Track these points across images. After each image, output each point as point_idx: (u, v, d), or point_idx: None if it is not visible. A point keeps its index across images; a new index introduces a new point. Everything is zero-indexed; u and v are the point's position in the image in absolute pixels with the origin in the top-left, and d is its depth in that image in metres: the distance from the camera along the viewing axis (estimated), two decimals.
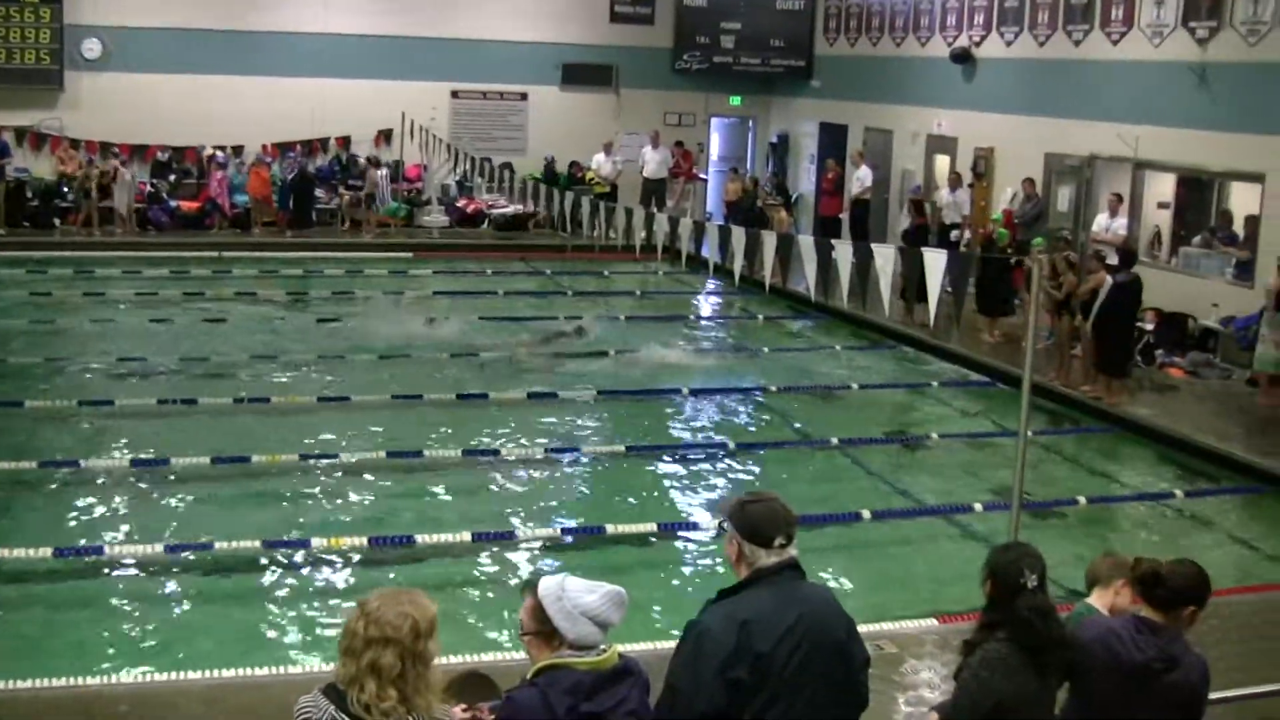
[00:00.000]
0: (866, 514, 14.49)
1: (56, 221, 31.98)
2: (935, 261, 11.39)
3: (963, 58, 29.22)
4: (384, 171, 33.71)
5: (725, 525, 5.75)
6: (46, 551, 12.46)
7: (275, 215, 32.72)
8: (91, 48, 33.17)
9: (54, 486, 14.83)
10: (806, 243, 13.82)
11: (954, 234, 25.80)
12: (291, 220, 32.51)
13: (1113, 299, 18.91)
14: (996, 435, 18.27)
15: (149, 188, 32.70)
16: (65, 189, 32.27)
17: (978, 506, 14.84)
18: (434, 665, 4.99)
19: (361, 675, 4.85)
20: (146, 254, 29.55)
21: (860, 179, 31.29)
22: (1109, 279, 18.98)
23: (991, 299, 23.02)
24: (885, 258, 12.41)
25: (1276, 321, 18.73)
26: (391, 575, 12.46)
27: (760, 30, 36.63)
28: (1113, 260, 19.80)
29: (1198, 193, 24.14)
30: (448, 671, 5.56)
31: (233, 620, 11.65)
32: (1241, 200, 22.89)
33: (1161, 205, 24.54)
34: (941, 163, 30.11)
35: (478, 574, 12.86)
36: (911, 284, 12.98)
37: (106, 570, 12.47)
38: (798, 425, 18.74)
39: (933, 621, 11.29)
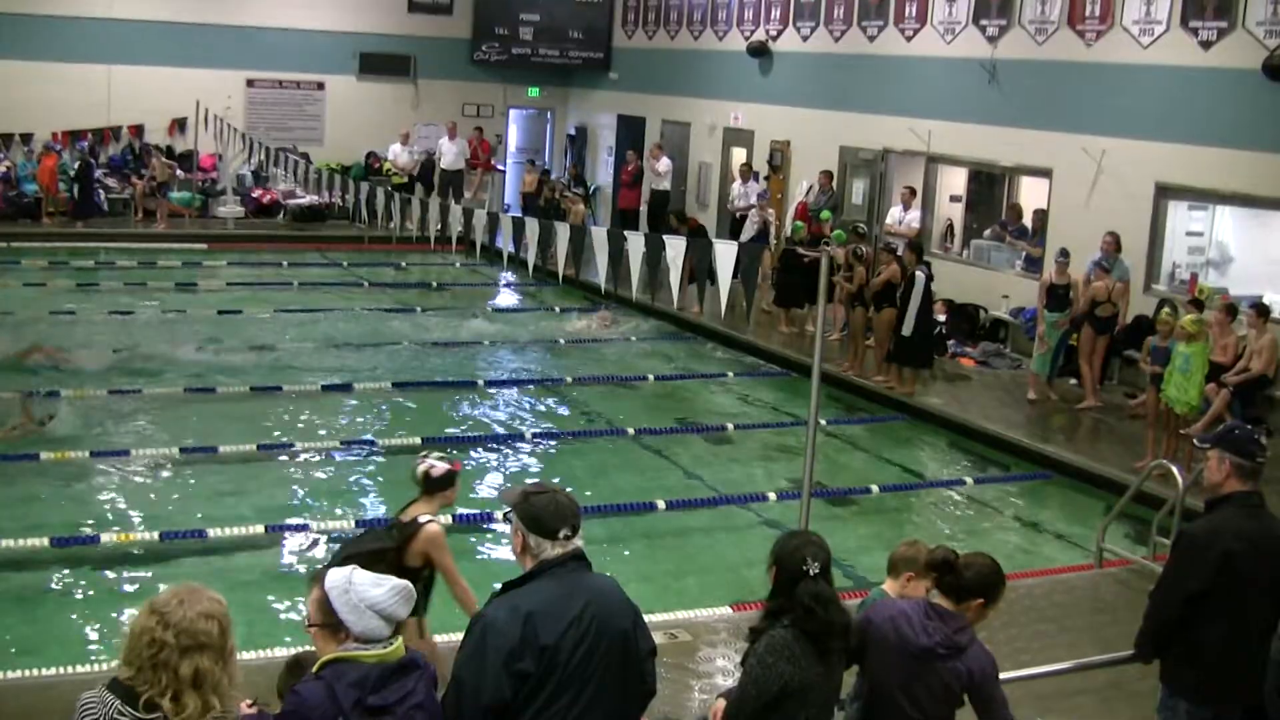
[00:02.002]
0: (661, 504, 14.58)
1: None
2: (726, 252, 11.44)
3: (759, 51, 29.48)
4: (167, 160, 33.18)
5: (510, 517, 5.73)
6: None
7: (64, 205, 31.94)
8: None
9: None
10: (599, 234, 13.81)
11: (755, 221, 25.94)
12: (78, 210, 31.73)
13: (922, 293, 19.15)
14: (791, 425, 18.46)
15: None
16: None
17: (772, 496, 15.06)
18: (234, 658, 4.91)
19: (180, 686, 4.72)
20: None
21: (659, 171, 31.42)
22: (918, 274, 19.21)
23: (787, 291, 23.21)
24: (676, 249, 12.44)
25: (1045, 317, 19.14)
26: (182, 569, 12.29)
27: (559, 22, 36.61)
28: (902, 253, 20.03)
29: (988, 187, 24.67)
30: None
31: (17, 621, 11.39)
32: (1030, 195, 23.40)
33: (954, 199, 25.07)
34: (738, 155, 30.33)
35: (272, 567, 12.78)
36: (702, 274, 13.04)
37: None
38: (594, 415, 18.80)
39: (727, 610, 11.38)
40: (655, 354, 22.87)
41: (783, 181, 28.64)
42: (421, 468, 8.53)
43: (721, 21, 31.36)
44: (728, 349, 23.09)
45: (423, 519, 8.35)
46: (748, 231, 25.54)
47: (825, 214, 23.63)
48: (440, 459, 8.65)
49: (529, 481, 12.97)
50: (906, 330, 19.00)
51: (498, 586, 5.67)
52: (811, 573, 5.96)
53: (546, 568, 5.54)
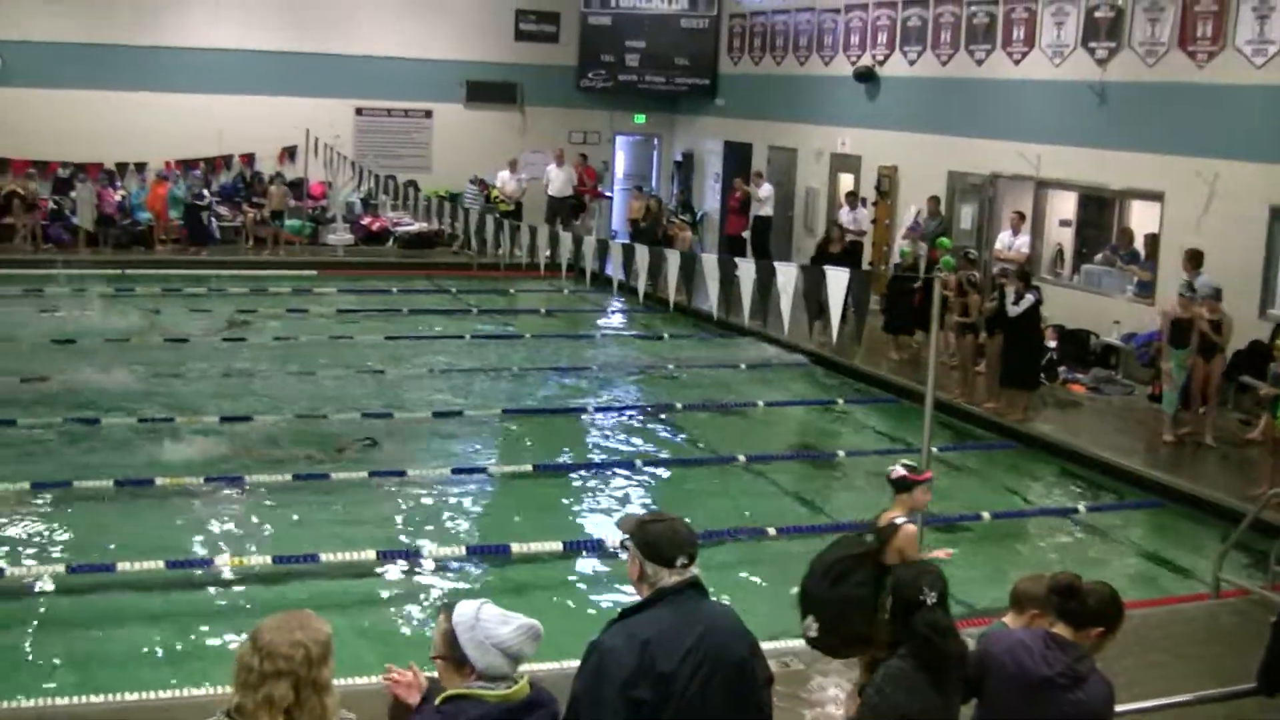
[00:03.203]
0: (772, 530, 14.53)
1: None
2: (837, 279, 11.42)
3: (866, 76, 29.39)
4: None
5: (627, 545, 5.72)
6: None
7: (176, 232, 32.43)
8: None
9: None
10: (710, 261, 13.84)
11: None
12: (191, 237, 32.19)
13: (1028, 315, 19.04)
14: (902, 451, 18.33)
15: (50, 205, 32.32)
16: None
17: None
18: (332, 687, 4.91)
19: (258, 710, 4.76)
20: (48, 271, 29.20)
21: (761, 197, 31.38)
22: (1029, 296, 19.08)
23: (896, 318, 23.11)
24: (787, 276, 12.44)
25: (1172, 355, 18.57)
26: (296, 594, 12.41)
27: (665, 49, 36.68)
28: (1010, 281, 19.89)
29: (1098, 211, 24.40)
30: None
31: (136, 641, 11.49)
32: (1141, 218, 23.13)
33: (1063, 223, 24.81)
34: (845, 181, 30.25)
35: (383, 593, 12.83)
36: (813, 302, 13.00)
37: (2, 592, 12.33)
38: (704, 442, 18.76)
39: None
40: (764, 380, 22.79)
41: (890, 207, 28.53)
42: (893, 473, 9.06)
43: (828, 46, 31.30)
44: (837, 375, 22.98)
45: (899, 520, 8.67)
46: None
47: (944, 241, 23.41)
48: (905, 465, 9.11)
49: (645, 509, 12.98)
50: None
51: (615, 615, 5.66)
52: (929, 602, 5.93)
53: (663, 595, 5.53)
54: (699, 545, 5.69)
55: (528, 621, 5.22)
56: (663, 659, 5.37)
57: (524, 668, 5.23)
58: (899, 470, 9.00)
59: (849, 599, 8.13)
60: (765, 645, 5.87)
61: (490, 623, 5.15)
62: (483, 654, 5.10)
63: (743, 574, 13.52)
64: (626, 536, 5.71)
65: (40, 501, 14.85)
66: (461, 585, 12.93)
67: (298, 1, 35.06)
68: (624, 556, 6.26)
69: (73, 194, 32.04)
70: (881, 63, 29.18)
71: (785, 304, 13.10)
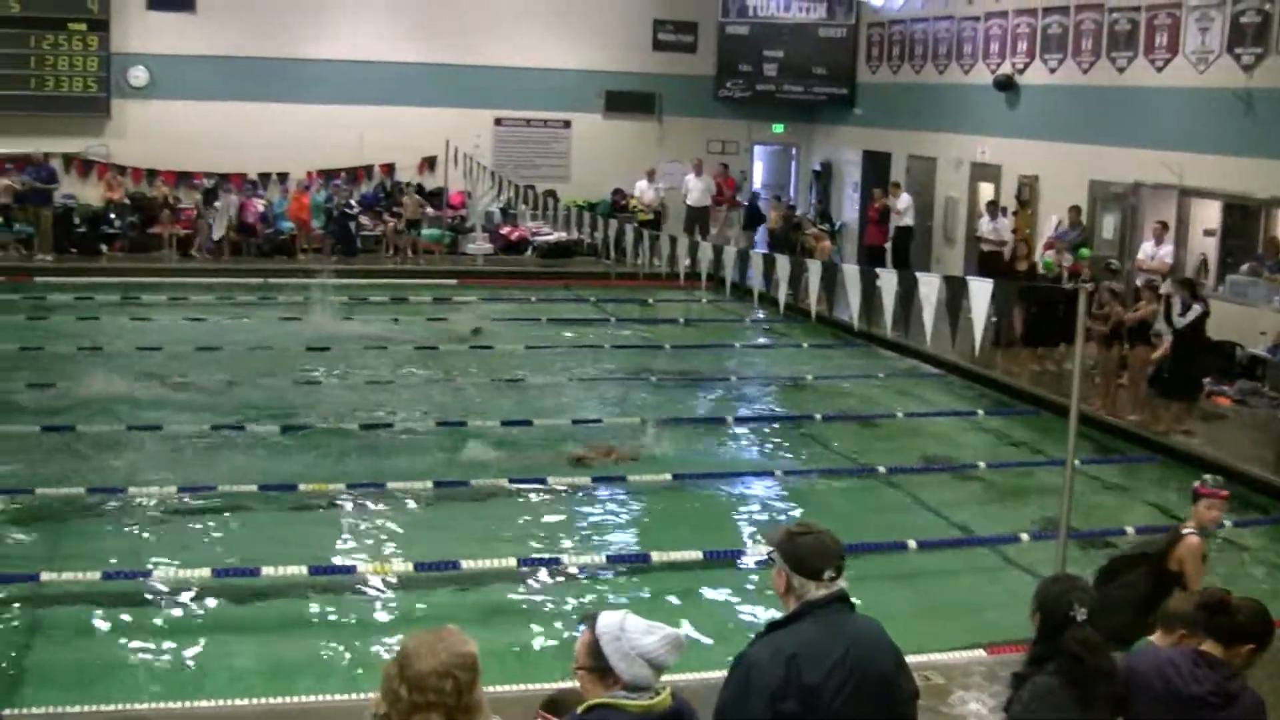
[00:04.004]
0: (913, 543, 14.43)
1: (103, 247, 32.14)
2: (980, 290, 11.36)
3: (1006, 85, 29.17)
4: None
5: (773, 557, 5.72)
6: (95, 575, 12.56)
7: (317, 241, 32.90)
8: (137, 75, 33.49)
9: (101, 512, 14.88)
10: (851, 271, 13.81)
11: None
12: (333, 247, 32.64)
13: (1194, 326, 18.81)
14: (1043, 464, 18.19)
15: (196, 215, 32.90)
16: (112, 215, 32.51)
17: (1024, 536, 14.75)
18: (483, 705, 4.96)
19: None
20: (191, 279, 29.75)
21: (899, 209, 31.21)
22: (1195, 306, 18.83)
23: (1037, 328, 22.89)
24: (930, 286, 12.38)
25: None
26: (436, 600, 12.57)
27: (802, 58, 36.63)
28: (1166, 289, 19.65)
29: (1244, 220, 24.00)
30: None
31: (278, 646, 11.68)
32: None
33: (1208, 233, 24.44)
34: (985, 190, 30.03)
35: (523, 601, 12.90)
36: (955, 312, 12.94)
37: (152, 595, 12.54)
38: (843, 453, 18.70)
39: (980, 652, 11.20)
40: (904, 391, 22.68)
41: (1031, 216, 28.27)
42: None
43: (967, 55, 31.09)
44: (977, 386, 22.80)
45: (1185, 530, 8.86)
46: None
47: (1084, 251, 23.16)
48: (1206, 478, 9.45)
49: (788, 520, 12.95)
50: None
51: (761, 627, 5.67)
52: (1078, 618, 5.86)
53: (810, 609, 5.53)
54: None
55: (671, 631, 5.24)
56: (809, 672, 5.37)
57: (665, 678, 5.25)
58: (1196, 482, 9.23)
59: (1108, 598, 8.06)
60: (906, 659, 5.84)
61: (635, 633, 5.17)
62: (628, 664, 5.12)
63: (883, 586, 13.43)
64: (773, 548, 5.71)
65: (187, 504, 15.13)
66: (601, 594, 12.98)
67: (439, 14, 35.40)
68: (755, 564, 6.25)
69: (216, 204, 32.54)
70: (1021, 71, 28.93)
71: (928, 314, 13.04)
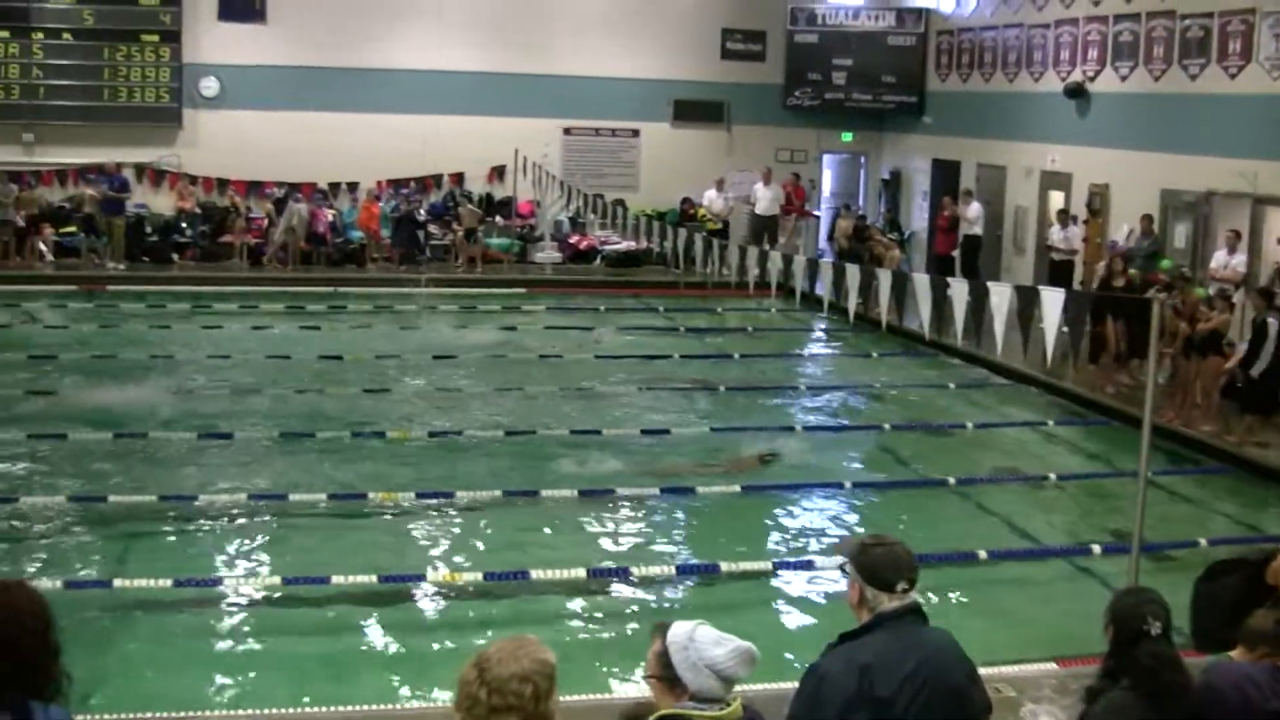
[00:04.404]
0: (983, 553, 14.35)
1: (174, 256, 32.50)
2: (1053, 300, 11.30)
3: (1076, 93, 28.99)
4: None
5: (846, 568, 5.71)
6: (167, 582, 12.66)
7: (387, 250, 33.08)
8: (209, 86, 33.83)
9: (172, 520, 15.02)
10: (921, 281, 13.76)
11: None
12: (403, 256, 32.81)
13: (1276, 339, 18.61)
14: (1114, 475, 18.07)
15: (267, 224, 33.17)
16: (184, 224, 32.83)
17: (1096, 548, 14.65)
18: (557, 715, 4.96)
19: None
20: (262, 289, 29.97)
21: (969, 218, 31.06)
22: (1270, 320, 18.64)
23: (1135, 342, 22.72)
24: (1001, 296, 12.34)
25: None
26: (506, 609, 12.58)
27: (872, 66, 36.54)
28: (1238, 298, 19.48)
29: None
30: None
31: (346, 654, 11.74)
32: None
33: None
34: (1056, 199, 29.86)
35: (593, 610, 12.91)
36: (1027, 323, 12.88)
37: (222, 602, 12.65)
38: (913, 464, 18.64)
39: (1051, 665, 11.15)
40: (974, 401, 22.60)
41: (1101, 225, 28.09)
42: None
43: (1037, 63, 30.92)
44: (1048, 395, 22.68)
45: None
46: None
47: (1165, 263, 22.90)
48: None
49: (857, 532, 12.92)
50: (1255, 372, 18.41)
51: (833, 638, 5.66)
52: (1153, 633, 5.80)
53: (883, 621, 5.53)
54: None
55: (743, 644, 5.17)
56: (881, 684, 5.37)
57: (737, 689, 5.21)
58: None
59: (1209, 596, 7.96)
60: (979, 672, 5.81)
61: (704, 644, 5.12)
62: (696, 675, 5.08)
63: (953, 597, 13.39)
64: (846, 560, 5.71)
65: (258, 511, 15.25)
66: (671, 603, 12.98)
67: (507, 24, 35.54)
68: (822, 573, 6.23)
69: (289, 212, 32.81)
70: (1092, 79, 28.74)
71: (998, 324, 12.99)
